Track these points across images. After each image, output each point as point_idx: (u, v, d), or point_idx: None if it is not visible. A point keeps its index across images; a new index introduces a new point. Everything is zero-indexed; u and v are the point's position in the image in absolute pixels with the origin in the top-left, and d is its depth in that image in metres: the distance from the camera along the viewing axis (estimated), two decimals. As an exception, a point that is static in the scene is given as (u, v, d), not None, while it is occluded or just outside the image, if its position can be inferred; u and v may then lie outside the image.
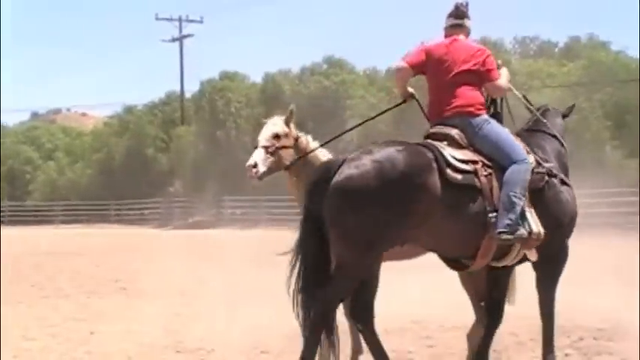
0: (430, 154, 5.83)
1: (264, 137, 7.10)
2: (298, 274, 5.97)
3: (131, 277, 15.28)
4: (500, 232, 5.88)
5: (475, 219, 5.91)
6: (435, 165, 5.79)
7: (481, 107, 6.34)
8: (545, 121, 6.84)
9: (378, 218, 5.58)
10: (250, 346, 8.35)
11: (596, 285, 10.53)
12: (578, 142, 24.61)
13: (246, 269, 15.70)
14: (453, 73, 6.31)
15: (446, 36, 6.60)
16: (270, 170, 7.13)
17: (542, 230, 6.05)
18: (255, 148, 7.12)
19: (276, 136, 7.06)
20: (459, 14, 6.58)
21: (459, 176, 5.86)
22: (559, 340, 7.35)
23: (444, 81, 6.32)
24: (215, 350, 8.28)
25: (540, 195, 6.20)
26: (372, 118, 7.88)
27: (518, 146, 6.21)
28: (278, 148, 7.06)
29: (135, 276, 15.56)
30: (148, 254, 21.28)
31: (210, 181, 43.38)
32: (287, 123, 7.18)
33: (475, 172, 5.96)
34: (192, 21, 50.89)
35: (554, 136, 6.78)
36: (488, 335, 6.48)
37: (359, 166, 5.64)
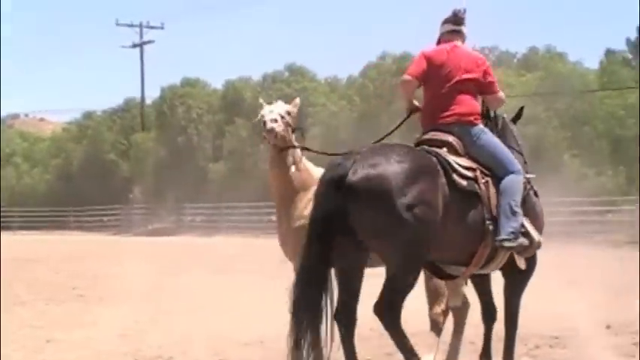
0: (434, 159, 5.92)
1: (275, 110, 6.79)
2: (302, 277, 5.80)
3: (89, 284, 15.16)
4: (503, 240, 5.99)
5: (475, 226, 6.01)
6: (440, 168, 5.87)
7: (479, 117, 6.43)
8: (515, 135, 6.89)
9: (410, 213, 5.55)
10: (209, 353, 8.32)
11: (553, 293, 10.65)
12: (536, 152, 24.90)
13: (206, 276, 15.66)
14: (455, 80, 6.33)
15: (442, 41, 6.60)
16: (282, 137, 6.74)
17: (541, 239, 6.23)
18: (264, 121, 6.76)
19: (288, 113, 6.81)
20: (457, 21, 6.60)
21: (464, 182, 5.97)
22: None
23: (444, 87, 6.33)
24: (174, 358, 8.24)
25: (522, 205, 6.28)
26: (388, 134, 6.94)
27: (513, 157, 6.35)
28: (288, 124, 6.79)
29: (93, 283, 15.44)
30: (107, 261, 21.11)
31: (170, 188, 43.19)
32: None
33: (476, 179, 6.08)
34: (152, 27, 50.69)
35: (519, 152, 6.84)
36: (488, 330, 6.65)
37: (374, 165, 5.61)
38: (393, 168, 5.60)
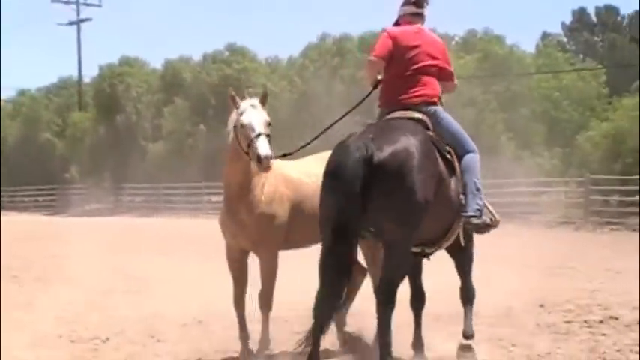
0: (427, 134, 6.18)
1: (261, 124, 6.53)
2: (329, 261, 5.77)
3: (24, 265, 14.92)
4: (471, 217, 6.19)
5: (454, 200, 6.21)
6: (432, 143, 6.11)
7: (439, 99, 6.63)
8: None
9: (426, 189, 5.77)
10: (146, 334, 8.27)
11: (488, 272, 10.80)
12: (474, 134, 25.16)
13: (144, 257, 15.56)
14: (422, 63, 6.50)
15: (402, 23, 6.71)
16: None
17: (499, 217, 6.48)
18: (258, 155, 6.39)
19: (269, 124, 6.61)
20: (420, 3, 6.73)
21: (448, 156, 6.22)
22: (452, 328, 7.54)
23: (408, 69, 6.47)
24: (110, 339, 8.17)
25: None
26: (347, 114, 7.07)
27: (469, 138, 6.56)
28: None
29: (28, 264, 15.20)
30: (43, 242, 20.80)
31: (108, 168, 42.65)
32: (263, 105, 6.78)
33: (451, 154, 6.30)
34: (90, 4, 49.89)
35: None
36: (418, 316, 6.76)
37: (396, 141, 5.79)
38: (412, 142, 5.82)
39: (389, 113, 6.44)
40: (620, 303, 9.71)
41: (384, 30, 6.70)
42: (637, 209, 23.94)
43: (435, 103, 6.52)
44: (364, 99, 6.84)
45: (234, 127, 6.68)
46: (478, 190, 6.26)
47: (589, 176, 25.81)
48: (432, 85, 6.55)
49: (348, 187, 5.67)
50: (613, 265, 14.02)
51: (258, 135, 6.45)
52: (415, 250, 6.39)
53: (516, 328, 8.32)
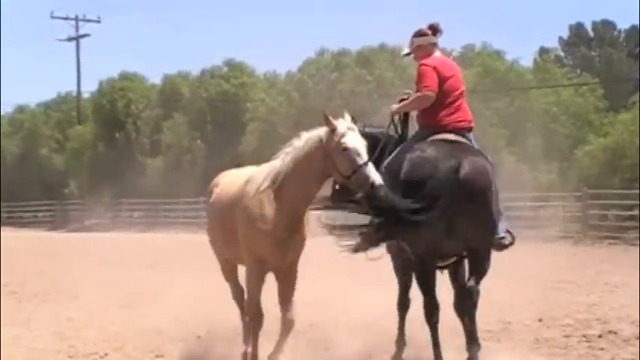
0: None
1: (365, 150, 6.32)
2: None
3: (22, 281, 14.90)
4: (502, 238, 6.76)
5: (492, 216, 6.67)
6: None
7: None
8: None
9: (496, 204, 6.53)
10: (145, 350, 8.27)
11: (486, 287, 10.79)
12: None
13: (142, 272, 15.53)
14: (459, 90, 6.95)
15: (422, 53, 7.04)
16: None
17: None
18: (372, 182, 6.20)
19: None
20: (436, 33, 7.08)
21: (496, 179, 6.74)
22: (449, 342, 7.53)
23: (450, 96, 6.87)
24: (109, 354, 8.17)
25: None
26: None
27: None
28: None
29: (26, 279, 15.18)
30: (41, 257, 20.77)
31: (107, 183, 42.64)
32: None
33: None
34: (89, 20, 50.05)
35: None
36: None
37: (474, 160, 6.49)
38: (486, 162, 6.58)
39: (433, 134, 6.77)
40: (619, 317, 9.71)
41: (422, 64, 6.93)
42: (635, 223, 23.91)
43: (472, 129, 7.00)
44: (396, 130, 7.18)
45: (326, 148, 6.40)
46: (502, 213, 6.81)
47: (587, 190, 25.78)
48: (469, 112, 7.00)
49: (448, 196, 6.25)
50: (611, 280, 14.02)
51: (367, 162, 6.22)
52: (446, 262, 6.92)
53: (515, 342, 8.32)
